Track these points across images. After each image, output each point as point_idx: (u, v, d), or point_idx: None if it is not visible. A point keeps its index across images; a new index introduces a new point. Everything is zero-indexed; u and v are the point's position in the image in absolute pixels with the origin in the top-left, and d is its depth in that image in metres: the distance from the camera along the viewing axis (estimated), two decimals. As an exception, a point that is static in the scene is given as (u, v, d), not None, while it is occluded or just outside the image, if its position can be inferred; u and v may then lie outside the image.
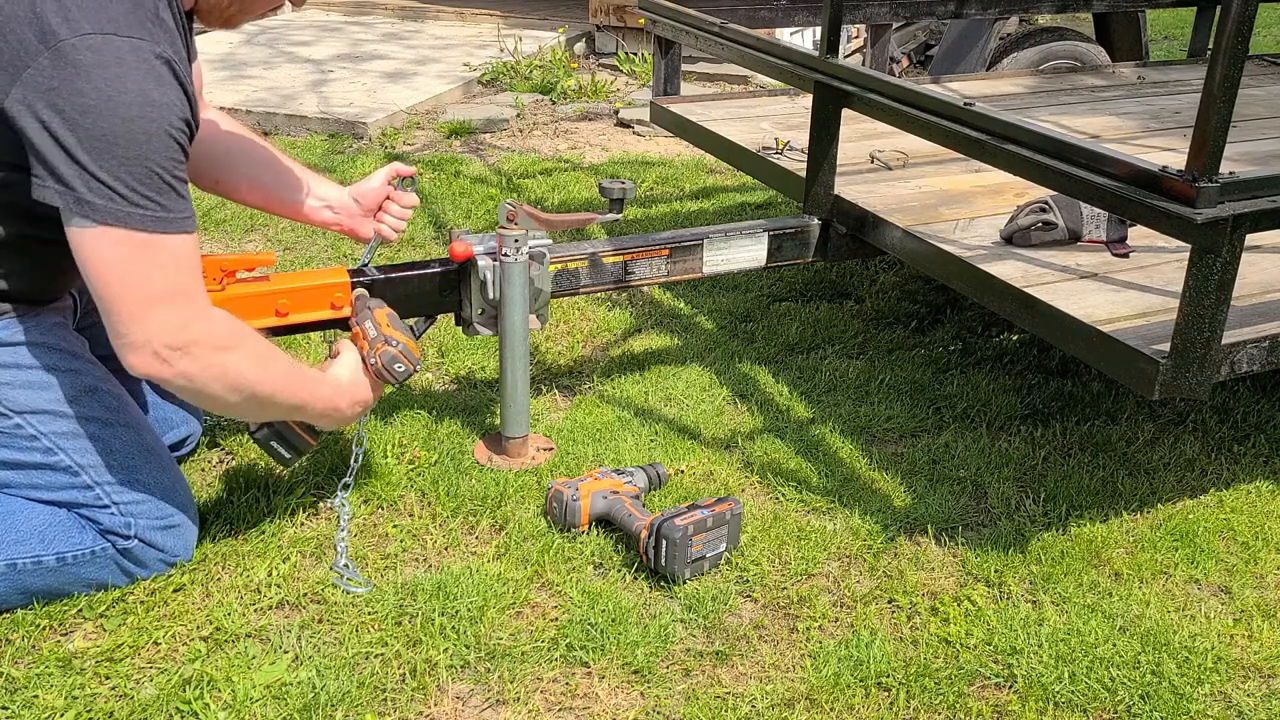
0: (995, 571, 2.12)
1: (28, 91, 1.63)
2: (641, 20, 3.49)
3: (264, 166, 2.30)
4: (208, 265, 2.07)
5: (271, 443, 2.06)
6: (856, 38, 6.57)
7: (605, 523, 2.18)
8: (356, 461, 2.22)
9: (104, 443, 1.92)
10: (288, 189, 2.31)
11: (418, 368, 2.15)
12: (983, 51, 4.89)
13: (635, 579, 2.06)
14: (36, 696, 1.75)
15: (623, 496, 2.18)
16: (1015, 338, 3.11)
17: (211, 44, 6.45)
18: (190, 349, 1.74)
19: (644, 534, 2.06)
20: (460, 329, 2.48)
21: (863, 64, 3.94)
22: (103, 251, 1.67)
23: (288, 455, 2.08)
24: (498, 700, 1.79)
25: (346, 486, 2.22)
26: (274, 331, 2.21)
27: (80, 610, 1.93)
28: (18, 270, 1.86)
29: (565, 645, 1.89)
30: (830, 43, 2.58)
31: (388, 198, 2.38)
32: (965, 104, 2.20)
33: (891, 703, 1.81)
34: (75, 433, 1.90)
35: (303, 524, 2.19)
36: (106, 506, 1.92)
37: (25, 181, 1.69)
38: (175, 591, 1.99)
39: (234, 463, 2.38)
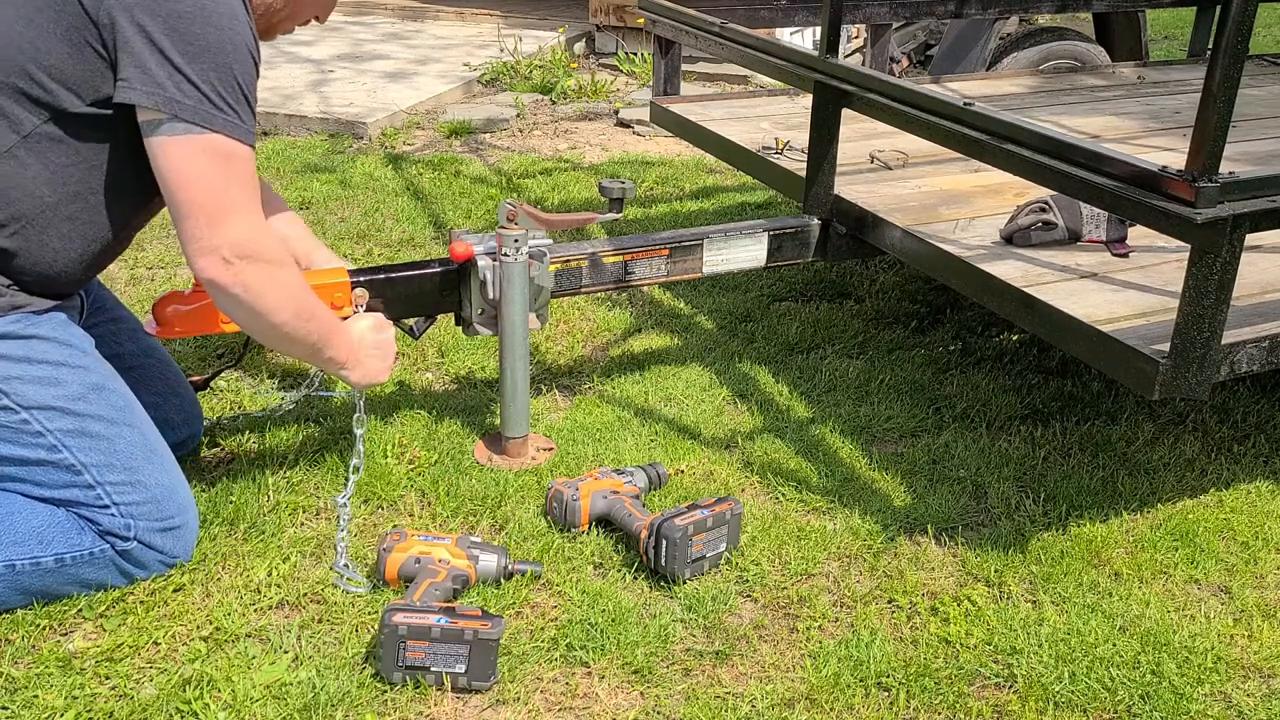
0: (995, 571, 2.12)
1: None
2: (641, 20, 3.49)
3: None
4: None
5: None
6: (856, 37, 6.57)
7: (605, 523, 2.18)
8: (360, 443, 2.22)
9: (108, 442, 1.92)
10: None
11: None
12: (983, 51, 4.89)
13: (635, 579, 2.06)
14: (36, 696, 1.75)
15: (623, 496, 2.18)
16: (1015, 338, 3.11)
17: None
18: (255, 258, 1.84)
19: (644, 534, 2.06)
20: (460, 329, 2.48)
21: (863, 64, 3.94)
22: (189, 158, 1.77)
23: None
24: (498, 700, 1.79)
25: (357, 469, 2.22)
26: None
27: (80, 610, 1.93)
28: (50, 250, 1.87)
29: (565, 645, 1.89)
30: (830, 42, 2.58)
31: None
32: (965, 104, 2.20)
33: (891, 703, 1.81)
34: (81, 430, 1.90)
35: (303, 524, 2.19)
36: (107, 507, 1.92)
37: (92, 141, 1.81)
38: (175, 591, 1.99)
39: (234, 463, 2.38)
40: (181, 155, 1.77)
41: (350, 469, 2.23)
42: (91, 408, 1.91)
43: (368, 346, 2.15)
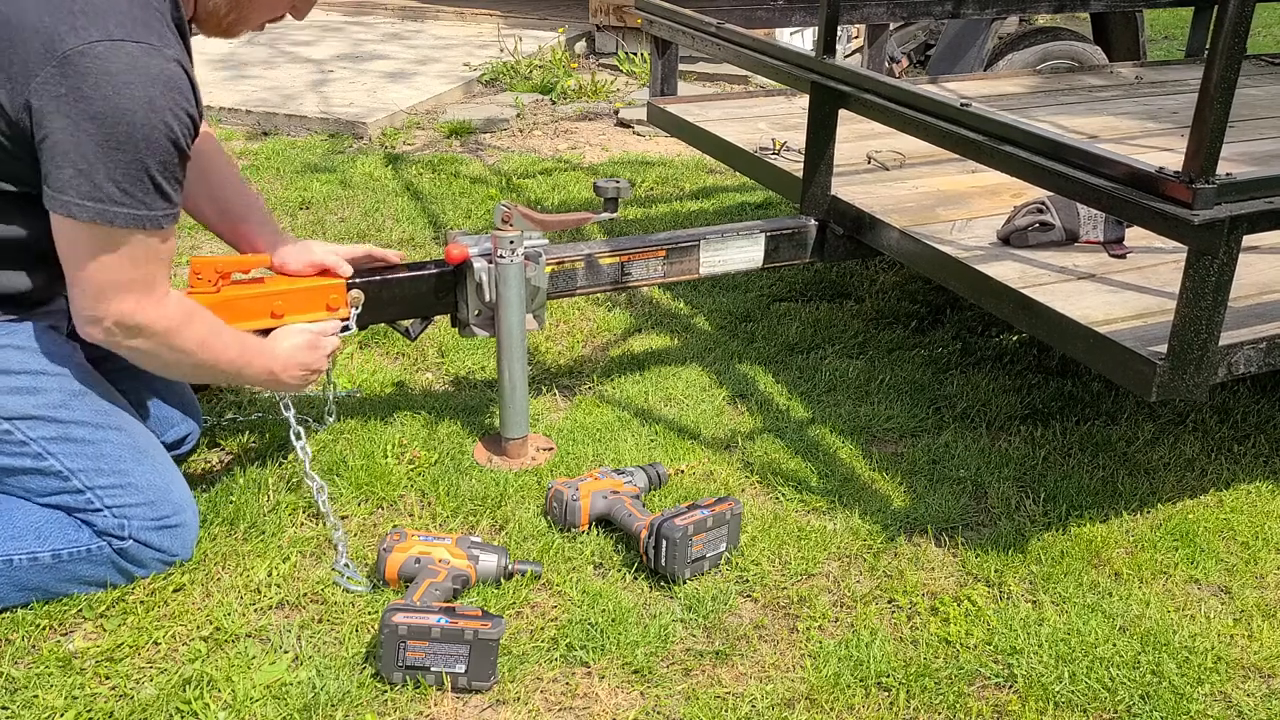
0: (995, 571, 2.12)
1: (35, 99, 1.67)
2: (639, 20, 3.49)
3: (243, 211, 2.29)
4: (203, 267, 2.07)
5: None
6: (857, 38, 6.57)
7: (605, 523, 2.18)
8: (295, 422, 2.19)
9: (94, 446, 1.92)
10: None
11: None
12: (981, 51, 4.89)
13: (635, 579, 2.07)
14: (36, 696, 1.75)
15: (623, 496, 2.19)
16: (1015, 338, 3.11)
17: (212, 44, 6.45)
18: (140, 331, 1.84)
19: (644, 534, 2.06)
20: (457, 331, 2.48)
21: (862, 64, 3.95)
22: (79, 241, 1.75)
23: None
24: (498, 700, 1.79)
25: (303, 448, 2.16)
26: (270, 333, 2.21)
27: (80, 610, 1.93)
28: (13, 271, 1.87)
29: (565, 645, 1.89)
30: (827, 43, 2.58)
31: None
32: (962, 105, 2.20)
33: (891, 703, 1.82)
34: (65, 437, 1.89)
35: (303, 524, 2.19)
36: (99, 510, 1.92)
37: (23, 180, 1.75)
38: (175, 591, 1.99)
39: (234, 463, 2.38)
40: (72, 238, 1.74)
41: (300, 451, 2.17)
42: (74, 414, 1.91)
43: (292, 366, 2.11)
